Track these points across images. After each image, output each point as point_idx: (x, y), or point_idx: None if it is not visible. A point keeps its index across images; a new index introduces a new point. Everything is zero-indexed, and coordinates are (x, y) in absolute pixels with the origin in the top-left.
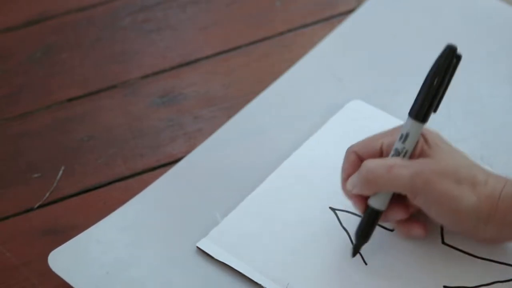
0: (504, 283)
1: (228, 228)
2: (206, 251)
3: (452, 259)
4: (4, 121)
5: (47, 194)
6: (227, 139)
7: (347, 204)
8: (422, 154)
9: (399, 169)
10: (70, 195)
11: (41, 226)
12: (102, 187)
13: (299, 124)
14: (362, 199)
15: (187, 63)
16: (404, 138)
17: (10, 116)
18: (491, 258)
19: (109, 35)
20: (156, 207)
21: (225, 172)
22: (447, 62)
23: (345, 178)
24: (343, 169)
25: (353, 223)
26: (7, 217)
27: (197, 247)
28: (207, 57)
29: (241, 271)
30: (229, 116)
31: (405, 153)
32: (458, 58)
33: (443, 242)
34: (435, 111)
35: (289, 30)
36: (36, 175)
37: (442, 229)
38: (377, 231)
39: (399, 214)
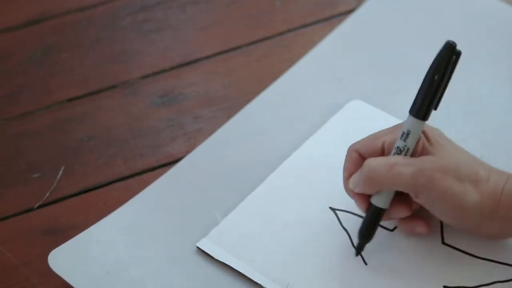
0: (504, 283)
1: (228, 228)
2: (206, 251)
3: (452, 259)
4: (4, 121)
5: (47, 194)
6: (227, 139)
7: (347, 204)
8: (423, 152)
9: (401, 167)
10: (70, 195)
11: (41, 226)
12: (102, 187)
13: (299, 124)
14: (364, 198)
15: (187, 63)
16: (406, 136)
17: (10, 116)
18: (491, 258)
19: (109, 35)
20: (156, 207)
21: (225, 172)
22: (447, 59)
23: (347, 177)
24: (345, 168)
25: (353, 223)
26: (7, 217)
27: (197, 247)
28: (207, 57)
29: (241, 271)
30: (229, 116)
31: (407, 151)
32: (458, 54)
33: (443, 242)
34: (435, 108)
35: (289, 30)
36: (36, 175)
37: (442, 229)
38: (377, 231)
39: (402, 212)
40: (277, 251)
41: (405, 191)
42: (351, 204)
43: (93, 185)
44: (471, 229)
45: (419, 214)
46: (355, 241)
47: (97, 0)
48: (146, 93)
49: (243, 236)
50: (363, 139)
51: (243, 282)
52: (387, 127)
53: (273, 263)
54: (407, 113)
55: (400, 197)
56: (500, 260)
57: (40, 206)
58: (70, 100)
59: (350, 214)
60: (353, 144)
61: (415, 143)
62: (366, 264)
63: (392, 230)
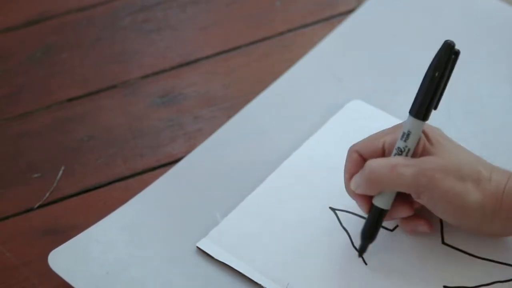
0: (504, 283)
1: (228, 228)
2: (206, 251)
3: (452, 259)
4: (4, 121)
5: (47, 194)
6: (227, 139)
7: (347, 204)
8: (424, 152)
9: (402, 168)
10: (70, 195)
11: (41, 226)
12: (102, 187)
13: (299, 124)
14: (366, 199)
15: (187, 63)
16: (406, 136)
17: (10, 116)
18: (491, 258)
19: (109, 35)
20: (156, 207)
21: (225, 172)
22: (446, 58)
23: (348, 178)
24: (346, 169)
25: (353, 223)
26: (7, 217)
27: (197, 247)
28: (207, 57)
29: (241, 271)
30: (229, 116)
31: (408, 151)
32: (456, 54)
33: (443, 242)
34: (435, 108)
35: (289, 30)
36: (36, 175)
37: (442, 229)
38: None
39: (404, 212)
40: (277, 251)
41: (407, 191)
42: (351, 204)
43: (93, 185)
44: (473, 228)
45: (421, 213)
46: (355, 241)
47: (97, 0)
48: (146, 93)
49: (243, 236)
50: (363, 140)
51: (243, 282)
52: (387, 127)
53: (273, 263)
54: (407, 113)
55: (402, 197)
56: (500, 260)
57: (40, 206)
58: (70, 100)
59: (350, 214)
60: (354, 145)
61: (416, 144)
62: (366, 264)
63: (392, 230)
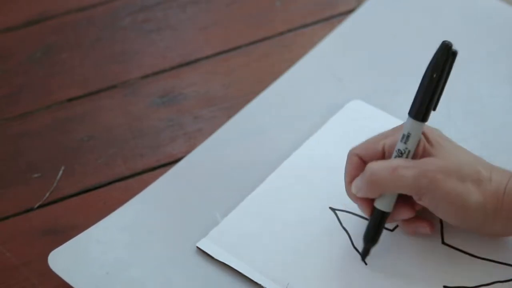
0: (504, 283)
1: (228, 228)
2: (206, 251)
3: (452, 259)
4: (4, 121)
5: (47, 194)
6: (227, 139)
7: (347, 204)
8: (424, 153)
9: (403, 170)
10: (70, 195)
11: (41, 226)
12: (102, 187)
13: (299, 124)
14: (368, 202)
15: (187, 63)
16: (406, 138)
17: (10, 116)
18: (491, 258)
19: (109, 35)
20: (156, 207)
21: (225, 172)
22: (443, 59)
23: (349, 181)
24: (346, 172)
25: (353, 223)
26: (7, 217)
27: (197, 247)
28: (207, 57)
29: (241, 271)
30: (229, 116)
31: (408, 153)
32: (454, 54)
33: (443, 242)
34: (434, 109)
35: (289, 30)
36: (36, 175)
37: (442, 229)
38: None
39: (405, 213)
40: (277, 251)
41: (408, 193)
42: (351, 204)
43: (93, 185)
44: (475, 228)
45: (422, 214)
46: (355, 241)
47: (97, 0)
48: (146, 93)
49: (243, 236)
50: (363, 142)
51: (243, 282)
52: (387, 127)
53: (273, 263)
54: (407, 113)
55: (403, 199)
56: (500, 260)
57: (40, 206)
58: (70, 100)
59: (350, 214)
60: (353, 148)
61: (416, 145)
62: (366, 264)
63: (392, 230)
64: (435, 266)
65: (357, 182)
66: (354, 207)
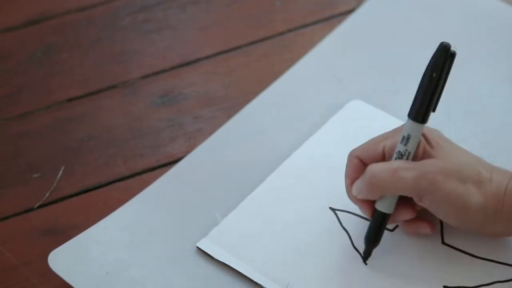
0: (504, 283)
1: (228, 228)
2: (206, 251)
3: (452, 259)
4: (4, 121)
5: (47, 194)
6: (227, 139)
7: (347, 204)
8: (425, 155)
9: (403, 172)
10: (70, 195)
11: (41, 226)
12: (102, 187)
13: (299, 124)
14: (369, 204)
15: (187, 63)
16: (406, 140)
17: (10, 116)
18: (491, 258)
19: (109, 35)
20: (156, 207)
21: (225, 172)
22: (442, 60)
23: (350, 183)
24: (347, 175)
25: (353, 223)
26: (7, 217)
27: (197, 247)
28: (207, 57)
29: (241, 271)
30: (229, 116)
31: (408, 155)
32: (453, 55)
33: (443, 242)
34: (434, 110)
35: (289, 30)
36: (36, 175)
37: (442, 229)
38: None
39: (406, 214)
40: (277, 251)
41: (409, 195)
42: (351, 204)
43: (93, 185)
44: (475, 229)
45: (422, 215)
46: (355, 241)
47: (97, 0)
48: (146, 93)
49: (243, 236)
50: (363, 144)
51: (243, 282)
52: (387, 127)
53: (273, 263)
54: (407, 114)
55: (404, 200)
56: (500, 260)
57: (40, 206)
58: (70, 100)
59: (350, 214)
60: (353, 150)
61: (416, 147)
62: (366, 264)
63: (392, 230)
64: (435, 266)
65: (357, 184)
66: (354, 207)
